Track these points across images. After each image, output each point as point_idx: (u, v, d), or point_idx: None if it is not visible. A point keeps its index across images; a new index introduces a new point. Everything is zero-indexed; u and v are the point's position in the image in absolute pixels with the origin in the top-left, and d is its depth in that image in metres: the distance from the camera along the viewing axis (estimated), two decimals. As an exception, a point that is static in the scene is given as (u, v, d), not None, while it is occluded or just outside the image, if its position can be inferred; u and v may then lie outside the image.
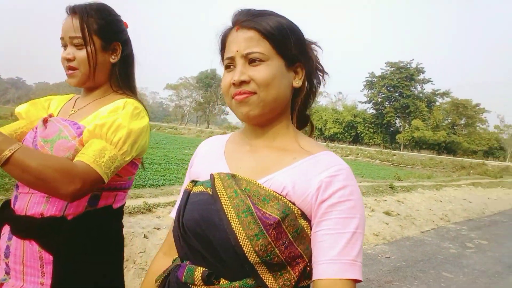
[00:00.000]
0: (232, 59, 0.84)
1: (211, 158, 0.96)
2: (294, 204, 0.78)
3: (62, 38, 1.20)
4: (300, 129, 0.96)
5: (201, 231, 0.80)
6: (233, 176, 0.84)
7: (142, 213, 4.56)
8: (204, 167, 0.93)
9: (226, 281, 0.78)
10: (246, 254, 0.74)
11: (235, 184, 0.81)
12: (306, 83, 0.89)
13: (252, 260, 0.74)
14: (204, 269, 0.80)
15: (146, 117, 1.25)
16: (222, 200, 0.79)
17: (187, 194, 0.89)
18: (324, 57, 0.95)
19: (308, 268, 0.79)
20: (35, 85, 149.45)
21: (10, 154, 0.94)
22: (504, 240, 6.68)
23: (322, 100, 64.81)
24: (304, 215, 0.79)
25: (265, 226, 0.74)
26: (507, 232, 7.41)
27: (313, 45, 0.92)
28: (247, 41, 0.82)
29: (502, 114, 58.32)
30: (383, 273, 4.43)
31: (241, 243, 0.74)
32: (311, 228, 0.79)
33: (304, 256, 0.78)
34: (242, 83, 0.81)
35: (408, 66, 55.77)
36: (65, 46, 1.20)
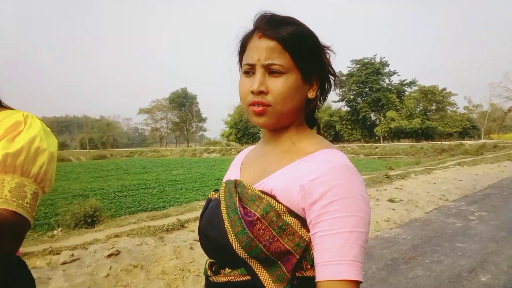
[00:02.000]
0: (252, 66, 0.84)
1: (233, 167, 1.04)
2: (280, 203, 0.80)
3: None
4: (311, 128, 0.97)
5: (207, 232, 0.88)
6: (236, 181, 0.90)
7: (177, 229, 4.85)
8: (226, 176, 1.03)
9: (229, 270, 0.85)
10: (236, 250, 0.80)
11: (233, 188, 0.88)
12: (319, 92, 0.90)
13: (242, 256, 0.80)
14: (210, 260, 0.90)
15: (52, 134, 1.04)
16: (221, 204, 0.87)
17: (208, 201, 0.95)
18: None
19: (304, 265, 0.81)
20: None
21: None
22: (501, 209, 7.25)
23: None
24: (292, 212, 0.80)
25: (247, 223, 0.78)
26: (501, 202, 8.01)
27: (326, 50, 0.92)
28: (269, 51, 0.82)
29: (469, 95, 60.92)
30: (405, 251, 4.86)
31: (230, 240, 0.80)
32: (302, 224, 0.80)
33: (294, 252, 0.79)
34: (261, 92, 0.83)
35: (372, 61, 57.54)
36: None
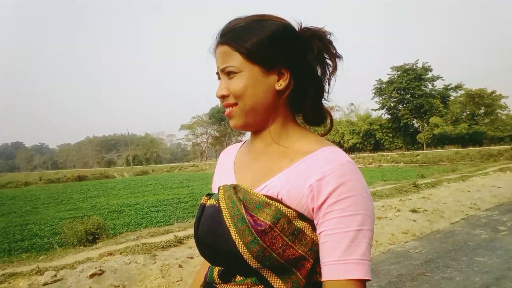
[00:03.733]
0: (218, 75, 0.89)
1: (224, 169, 1.00)
2: (289, 207, 0.78)
3: None
4: (315, 125, 0.93)
5: (208, 241, 0.84)
6: (234, 187, 0.86)
7: (174, 246, 4.80)
8: (217, 179, 0.99)
9: (241, 278, 0.82)
10: (247, 261, 0.76)
11: (234, 194, 0.83)
12: (292, 81, 0.85)
13: (254, 266, 0.77)
14: (220, 268, 0.86)
15: None
16: (223, 212, 0.82)
17: (202, 207, 0.90)
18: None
19: (318, 269, 0.78)
20: (58, 148, 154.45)
21: None
22: (538, 219, 6.59)
23: (335, 114, 64.58)
24: (302, 216, 0.78)
25: (258, 233, 0.75)
26: (540, 211, 7.29)
27: (318, 34, 0.87)
28: (222, 57, 0.85)
29: (522, 97, 56.75)
30: (415, 267, 4.49)
31: (240, 251, 0.76)
32: (312, 228, 0.78)
33: (308, 257, 0.77)
34: (223, 96, 0.86)
35: (414, 67, 55.53)
36: None
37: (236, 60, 0.83)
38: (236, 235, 0.78)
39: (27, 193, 23.39)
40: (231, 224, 0.79)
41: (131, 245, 4.68)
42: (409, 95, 55.37)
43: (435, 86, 56.74)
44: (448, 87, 55.78)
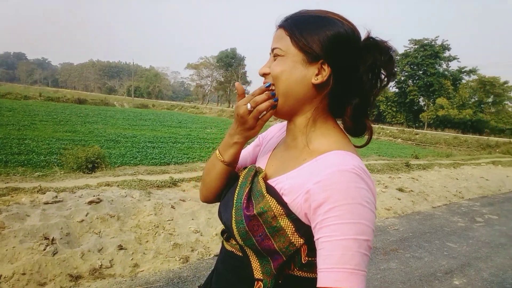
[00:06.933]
0: (270, 54, 0.92)
1: (265, 149, 1.06)
2: (283, 204, 0.81)
3: None
4: (352, 135, 0.91)
5: (221, 209, 0.96)
6: (257, 170, 0.93)
7: (169, 187, 5.03)
8: (259, 157, 1.06)
9: (234, 242, 0.93)
10: (235, 236, 0.85)
11: (250, 176, 0.91)
12: (331, 81, 0.84)
13: (239, 242, 0.86)
14: (223, 228, 0.99)
15: None
16: (236, 188, 0.92)
17: (238, 177, 0.98)
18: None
19: (296, 267, 0.83)
20: (60, 66, 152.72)
21: None
22: (515, 216, 6.89)
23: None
24: (291, 216, 0.80)
25: (245, 216, 0.83)
26: (520, 209, 7.59)
27: (380, 47, 0.86)
28: (275, 38, 0.89)
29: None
30: (390, 242, 4.79)
31: (232, 226, 0.86)
32: (296, 229, 0.80)
33: (281, 254, 0.81)
34: (264, 74, 0.90)
35: (433, 43, 54.14)
36: None
37: (285, 44, 0.86)
38: (234, 211, 0.87)
39: (26, 107, 23.44)
40: (235, 201, 0.88)
41: (129, 179, 4.91)
42: (421, 72, 54.54)
43: (449, 66, 55.77)
44: (462, 70, 54.81)
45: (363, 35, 0.87)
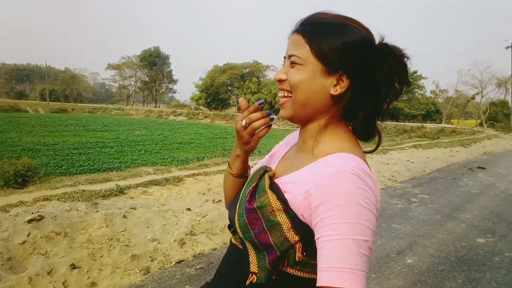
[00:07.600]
0: (284, 58, 0.91)
1: (279, 153, 1.06)
2: (283, 200, 0.83)
3: None
4: (361, 139, 0.92)
5: (230, 206, 1.01)
6: (266, 169, 0.96)
7: (116, 195, 4.71)
8: (271, 159, 1.07)
9: (238, 236, 0.95)
10: (236, 228, 0.89)
11: (258, 174, 0.94)
12: (349, 92, 0.84)
13: (240, 234, 0.89)
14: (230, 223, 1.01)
15: None
16: (244, 185, 0.97)
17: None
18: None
19: (289, 264, 0.84)
20: None
21: None
22: (442, 194, 7.54)
23: (270, 74, 65.20)
24: (289, 212, 0.82)
25: (246, 210, 0.87)
26: (444, 186, 8.33)
27: (394, 54, 0.86)
28: (292, 44, 0.87)
29: (437, 80, 62.40)
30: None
31: (235, 218, 0.90)
32: (292, 226, 0.81)
33: (276, 249, 0.82)
34: (281, 80, 0.89)
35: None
36: None
37: (304, 52, 0.84)
38: (238, 205, 0.91)
39: None
40: (241, 196, 0.93)
41: (69, 191, 4.50)
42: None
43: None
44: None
45: (377, 39, 0.87)
